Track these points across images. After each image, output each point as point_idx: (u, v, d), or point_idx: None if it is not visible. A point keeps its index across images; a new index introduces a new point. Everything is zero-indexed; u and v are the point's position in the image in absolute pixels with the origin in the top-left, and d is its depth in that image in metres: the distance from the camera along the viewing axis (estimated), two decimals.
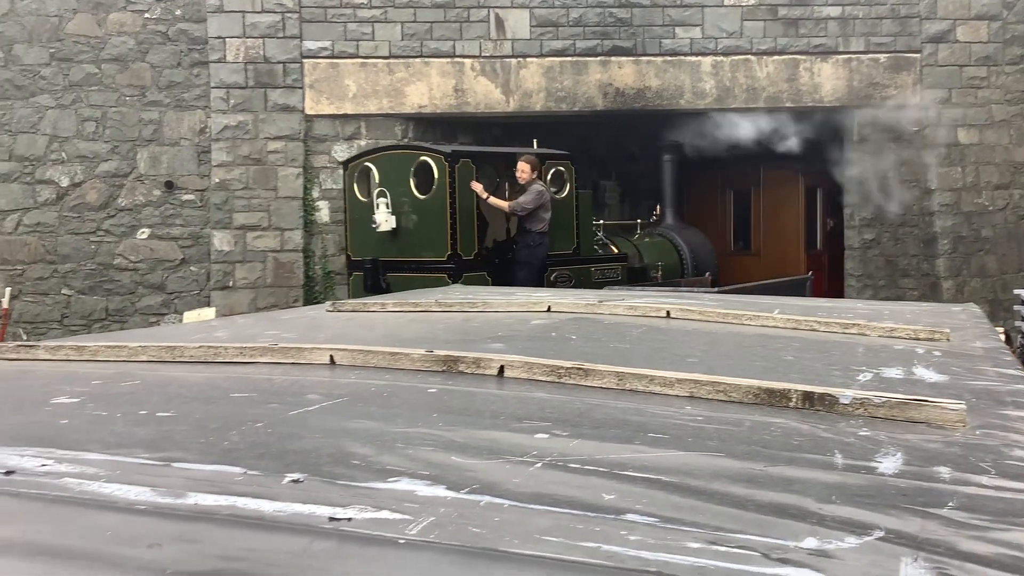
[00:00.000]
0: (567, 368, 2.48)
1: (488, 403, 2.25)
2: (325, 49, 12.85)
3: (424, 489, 1.51)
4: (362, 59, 12.93)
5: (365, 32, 12.84)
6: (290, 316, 4.05)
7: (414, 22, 12.87)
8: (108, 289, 12.50)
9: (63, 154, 12.46)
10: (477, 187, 10.03)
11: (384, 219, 10.14)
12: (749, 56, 13.12)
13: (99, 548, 1.25)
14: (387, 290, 9.75)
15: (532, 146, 11.40)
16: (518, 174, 10.16)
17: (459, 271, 9.88)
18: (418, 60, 12.93)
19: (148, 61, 12.69)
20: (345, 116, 12.91)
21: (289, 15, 12.69)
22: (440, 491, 1.51)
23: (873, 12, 13.11)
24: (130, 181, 12.57)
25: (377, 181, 10.39)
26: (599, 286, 10.46)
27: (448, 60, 12.94)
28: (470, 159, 10.31)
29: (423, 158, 10.28)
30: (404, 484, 1.53)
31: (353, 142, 12.90)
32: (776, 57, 13.15)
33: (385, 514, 1.38)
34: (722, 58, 13.12)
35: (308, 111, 12.93)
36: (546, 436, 1.89)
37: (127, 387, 2.33)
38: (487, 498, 1.48)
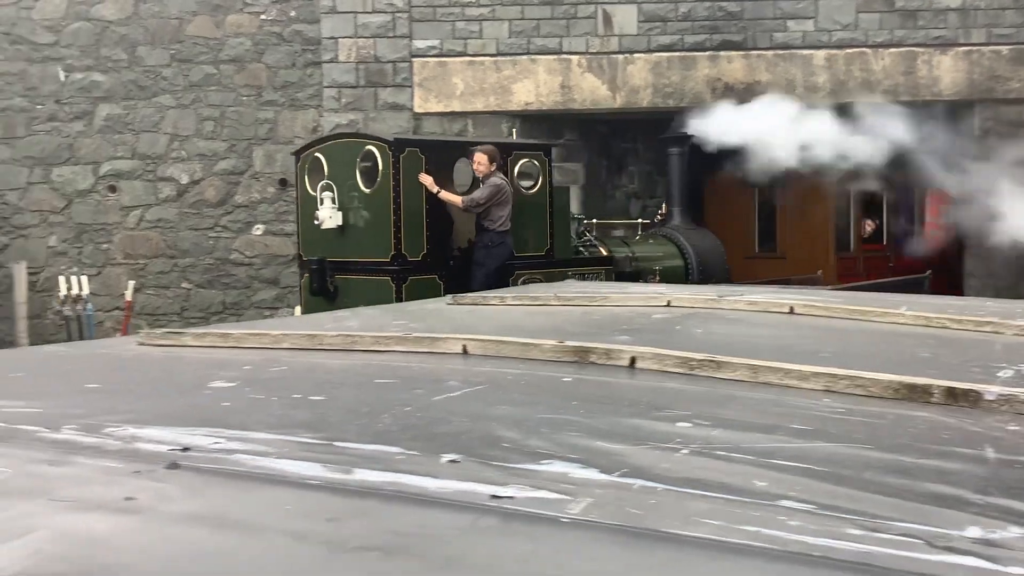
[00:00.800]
0: (699, 360, 2.49)
1: (624, 392, 2.28)
2: (434, 48, 13.03)
3: (577, 471, 1.55)
4: (470, 57, 13.07)
5: (473, 30, 12.97)
6: (414, 308, 4.14)
7: (521, 19, 12.95)
8: (225, 283, 12.93)
9: (183, 152, 12.93)
10: (426, 180, 8.94)
11: (328, 215, 9.17)
12: (864, 49, 12.80)
13: (281, 522, 1.32)
14: (334, 294, 9.17)
15: (512, 136, 11.05)
16: (474, 166, 9.25)
17: (403, 274, 8.87)
18: (525, 57, 13.00)
19: (264, 62, 13.07)
20: (452, 114, 13.07)
21: (399, 15, 12.91)
22: (593, 474, 1.54)
23: (995, 3, 12.66)
24: (246, 179, 12.98)
25: (326, 173, 9.41)
26: None
27: (555, 57, 12.98)
28: (418, 148, 9.23)
29: (368, 147, 9.23)
30: (557, 466, 1.57)
31: None
32: (893, 49, 12.80)
33: (544, 494, 1.43)
34: (836, 51, 12.84)
35: (417, 109, 13.13)
36: (688, 424, 1.91)
37: (276, 372, 2.43)
38: (640, 481, 1.51)
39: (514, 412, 2.00)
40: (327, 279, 9.25)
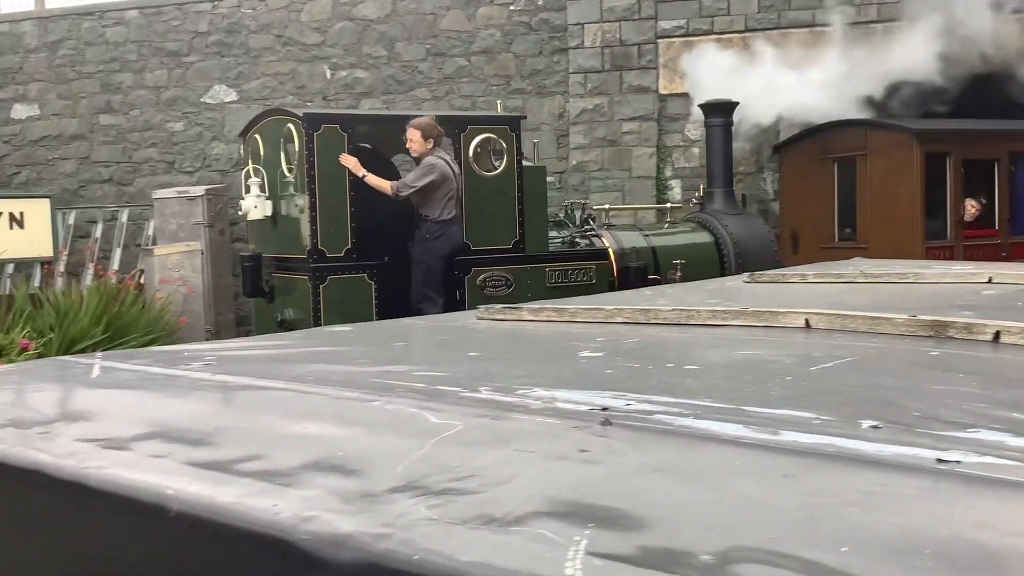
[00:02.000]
0: None
1: (1003, 367, 2.19)
2: (680, 28, 12.92)
3: (1011, 440, 1.50)
4: (716, 35, 12.86)
5: (720, 7, 12.75)
6: (715, 286, 4.14)
7: None
8: None
9: None
10: (349, 161, 7.76)
11: (253, 204, 8.18)
12: None
13: (738, 477, 1.36)
14: (270, 294, 8.18)
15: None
16: (407, 144, 7.95)
17: (321, 272, 7.70)
18: (775, 32, 12.65)
19: (513, 51, 13.42)
20: None
21: None
22: None
23: None
24: None
25: (261, 156, 8.42)
26: (560, 292, 8.07)
27: (807, 30, 12.56)
28: (338, 124, 7.91)
29: (288, 125, 8.06)
30: (986, 435, 1.53)
31: None
32: None
33: (990, 459, 1.40)
34: None
35: (662, 91, 13.08)
36: None
37: (632, 344, 2.49)
38: None
39: (901, 383, 1.97)
40: (261, 278, 8.20)
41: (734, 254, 9.85)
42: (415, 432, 1.31)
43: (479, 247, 8.26)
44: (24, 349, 7.82)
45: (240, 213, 8.41)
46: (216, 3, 14.02)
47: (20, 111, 14.59)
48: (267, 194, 8.21)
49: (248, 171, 8.29)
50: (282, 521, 0.98)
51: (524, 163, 8.67)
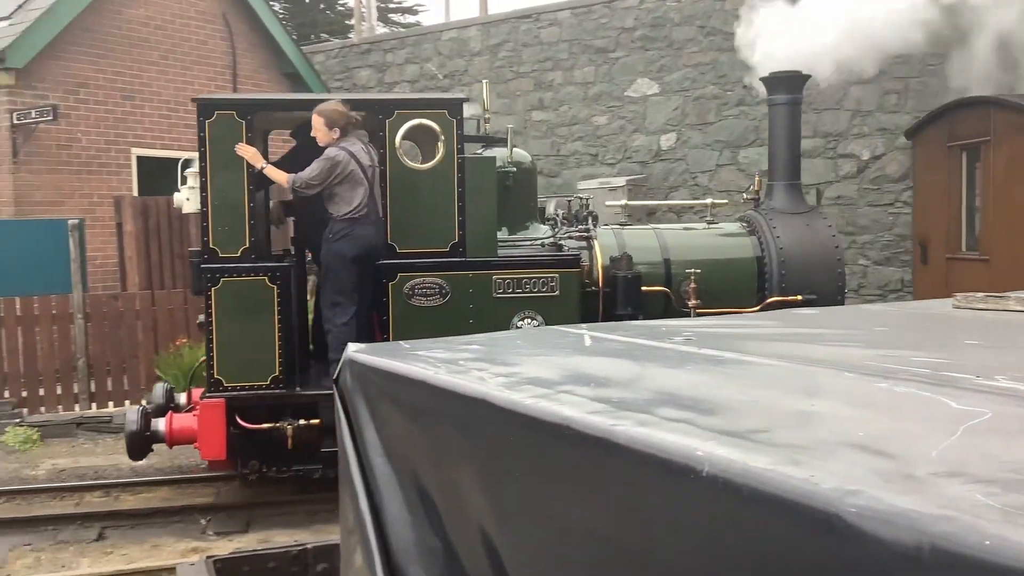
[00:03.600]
0: None
1: None
2: None
3: None
4: None
5: None
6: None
7: None
8: (904, 261, 12.56)
9: (864, 128, 12.83)
10: (246, 151, 6.84)
11: (186, 196, 7.47)
12: None
13: None
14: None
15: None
16: (312, 132, 6.91)
17: (212, 274, 6.87)
18: None
19: None
20: None
21: None
22: None
23: None
24: None
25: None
26: (512, 304, 7.12)
27: None
28: (235, 111, 6.94)
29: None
30: None
31: None
32: None
33: None
34: None
35: None
36: None
37: None
38: None
39: None
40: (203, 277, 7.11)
41: (777, 264, 7.83)
42: (938, 417, 1.24)
43: (407, 250, 7.14)
44: None
45: (175, 206, 7.84)
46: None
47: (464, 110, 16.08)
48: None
49: (184, 161, 7.80)
50: (823, 493, 0.97)
51: (493, 153, 7.79)
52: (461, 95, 7.68)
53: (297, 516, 7.01)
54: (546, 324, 6.99)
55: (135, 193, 13.39)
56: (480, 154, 7.83)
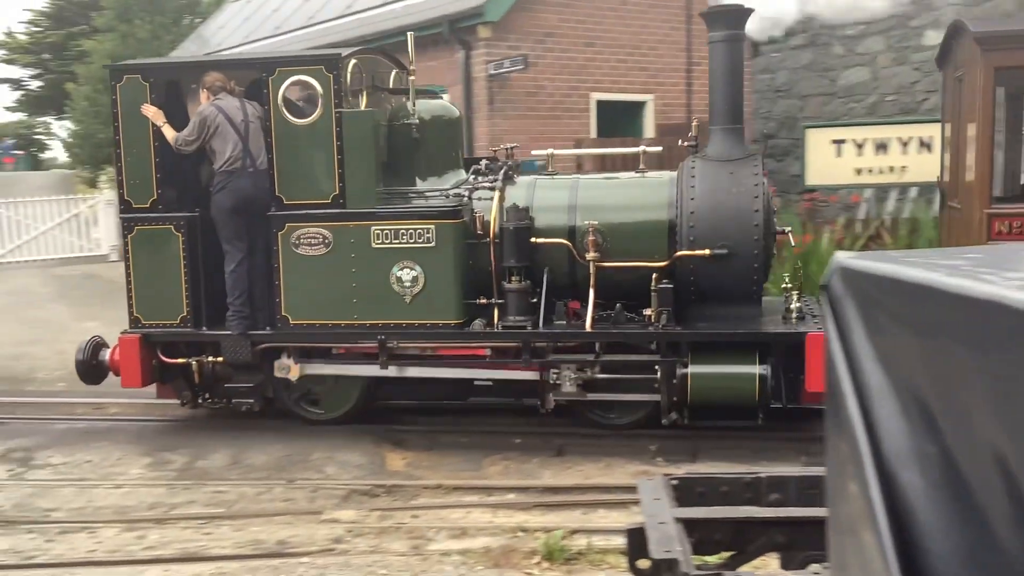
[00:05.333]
0: None
1: None
2: None
3: None
4: None
5: None
6: None
7: None
8: None
9: None
10: (149, 111, 7.68)
11: None
12: None
13: None
14: None
15: None
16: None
17: (128, 223, 7.91)
18: None
19: None
20: None
21: None
22: None
23: None
24: None
25: None
26: (390, 255, 7.34)
27: None
28: (139, 75, 7.82)
29: None
30: None
31: None
32: None
33: None
34: None
35: None
36: None
37: None
38: None
39: None
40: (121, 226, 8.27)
41: (687, 216, 7.21)
42: None
43: (293, 201, 7.53)
44: None
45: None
46: None
47: (932, 37, 14.72)
48: None
49: None
50: None
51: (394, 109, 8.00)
52: (339, 51, 7.76)
53: (742, 452, 7.05)
54: (424, 275, 7.35)
55: (593, 135, 14.08)
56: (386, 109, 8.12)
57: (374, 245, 7.47)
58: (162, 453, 7.68)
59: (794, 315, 7.14)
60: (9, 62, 48.30)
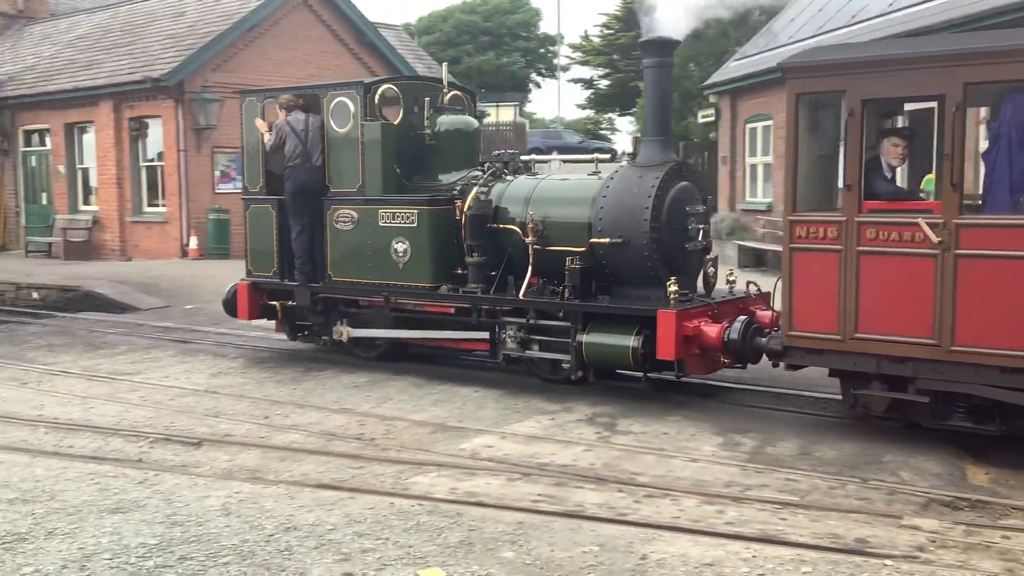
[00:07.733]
0: None
1: None
2: None
3: None
4: None
5: None
6: None
7: None
8: None
9: None
10: (260, 124, 10.68)
11: None
12: None
13: None
14: None
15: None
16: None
17: (247, 202, 11.09)
18: None
19: None
20: None
21: None
22: None
23: None
24: None
25: None
26: (390, 232, 9.86)
27: None
28: (255, 97, 10.97)
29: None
30: None
31: None
32: None
33: None
34: None
35: None
36: None
37: None
38: None
39: None
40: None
41: (598, 210, 8.93)
42: None
43: (335, 190, 10.24)
44: None
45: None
46: None
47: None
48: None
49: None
50: None
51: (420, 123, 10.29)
52: (367, 79, 10.54)
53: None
54: (411, 248, 9.67)
55: None
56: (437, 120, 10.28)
57: (381, 224, 9.89)
58: (732, 435, 7.74)
59: (672, 297, 8.28)
60: (584, 63, 54.03)
